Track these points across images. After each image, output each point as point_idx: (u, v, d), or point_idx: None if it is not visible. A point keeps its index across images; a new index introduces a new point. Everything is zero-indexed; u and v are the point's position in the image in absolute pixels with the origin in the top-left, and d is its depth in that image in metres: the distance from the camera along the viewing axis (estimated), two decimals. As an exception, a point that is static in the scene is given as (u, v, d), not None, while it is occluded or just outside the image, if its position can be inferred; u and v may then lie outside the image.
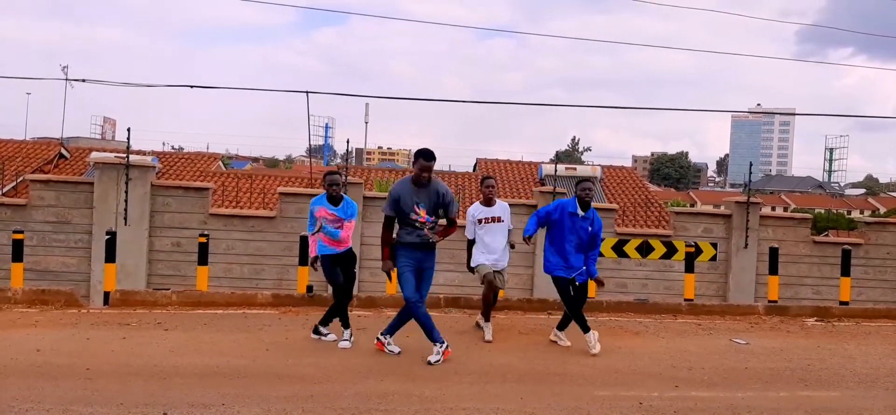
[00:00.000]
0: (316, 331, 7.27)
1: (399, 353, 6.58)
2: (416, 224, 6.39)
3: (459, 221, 7.30)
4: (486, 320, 7.56)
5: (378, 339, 6.76)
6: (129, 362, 6.10)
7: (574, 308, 7.12)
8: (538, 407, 5.23)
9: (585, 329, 7.04)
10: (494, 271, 7.50)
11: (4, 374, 5.63)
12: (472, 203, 8.21)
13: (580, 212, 7.05)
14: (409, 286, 6.38)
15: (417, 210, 6.37)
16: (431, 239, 6.45)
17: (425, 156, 6.35)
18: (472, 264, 7.65)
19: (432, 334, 6.42)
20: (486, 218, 7.51)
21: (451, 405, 5.21)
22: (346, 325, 7.11)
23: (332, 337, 7.17)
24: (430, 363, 6.26)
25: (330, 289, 7.58)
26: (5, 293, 8.67)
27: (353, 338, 7.05)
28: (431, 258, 6.56)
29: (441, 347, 6.38)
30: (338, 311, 7.17)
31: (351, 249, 7.27)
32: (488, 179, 7.74)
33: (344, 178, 7.22)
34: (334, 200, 7.06)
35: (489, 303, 7.58)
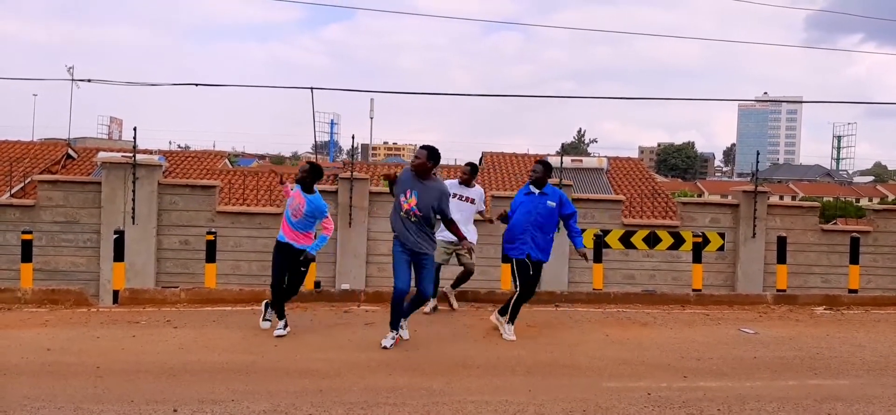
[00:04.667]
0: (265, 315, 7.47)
1: (387, 347, 6.63)
2: (401, 208, 6.61)
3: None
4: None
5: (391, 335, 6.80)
6: (138, 359, 6.14)
7: (528, 294, 7.25)
8: (547, 399, 5.23)
9: (512, 320, 7.24)
10: (456, 250, 7.99)
11: (16, 373, 5.68)
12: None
13: (534, 190, 7.24)
14: (401, 278, 6.60)
15: (407, 195, 6.59)
16: (414, 224, 6.56)
17: (423, 148, 6.67)
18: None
19: (395, 323, 6.70)
20: (458, 194, 8.00)
21: (460, 398, 5.21)
22: (280, 315, 7.24)
23: (266, 324, 7.35)
24: (383, 346, 6.58)
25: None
26: (15, 293, 8.72)
27: (288, 328, 7.19)
28: (422, 258, 6.67)
29: (395, 334, 6.69)
30: (278, 300, 7.28)
31: (303, 249, 7.19)
32: (470, 164, 8.38)
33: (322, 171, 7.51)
34: (305, 186, 7.17)
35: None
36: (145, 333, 7.16)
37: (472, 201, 8.14)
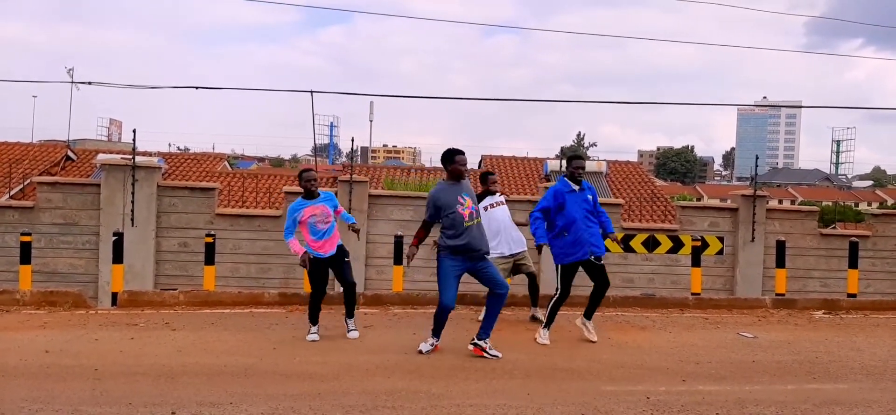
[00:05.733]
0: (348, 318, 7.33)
1: (500, 356, 6.45)
2: (464, 219, 6.32)
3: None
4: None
5: (474, 344, 6.56)
6: (137, 362, 6.13)
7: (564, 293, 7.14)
8: (545, 403, 5.23)
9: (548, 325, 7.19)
10: (514, 261, 7.97)
11: (14, 375, 5.67)
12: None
13: (575, 188, 7.13)
14: (448, 293, 6.39)
15: (462, 200, 6.39)
16: (476, 225, 6.41)
17: (461, 152, 6.54)
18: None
19: (437, 331, 6.64)
20: (489, 205, 7.97)
21: (458, 402, 5.21)
22: (314, 321, 7.15)
23: (355, 334, 7.20)
24: (420, 351, 6.55)
25: (340, 288, 7.56)
26: (14, 295, 8.72)
27: (319, 333, 7.15)
28: (485, 259, 6.53)
29: (435, 341, 6.65)
30: (314, 308, 7.17)
31: (341, 245, 7.22)
32: (491, 175, 8.32)
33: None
34: (312, 195, 7.07)
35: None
36: (144, 335, 7.16)
37: (502, 203, 8.11)
